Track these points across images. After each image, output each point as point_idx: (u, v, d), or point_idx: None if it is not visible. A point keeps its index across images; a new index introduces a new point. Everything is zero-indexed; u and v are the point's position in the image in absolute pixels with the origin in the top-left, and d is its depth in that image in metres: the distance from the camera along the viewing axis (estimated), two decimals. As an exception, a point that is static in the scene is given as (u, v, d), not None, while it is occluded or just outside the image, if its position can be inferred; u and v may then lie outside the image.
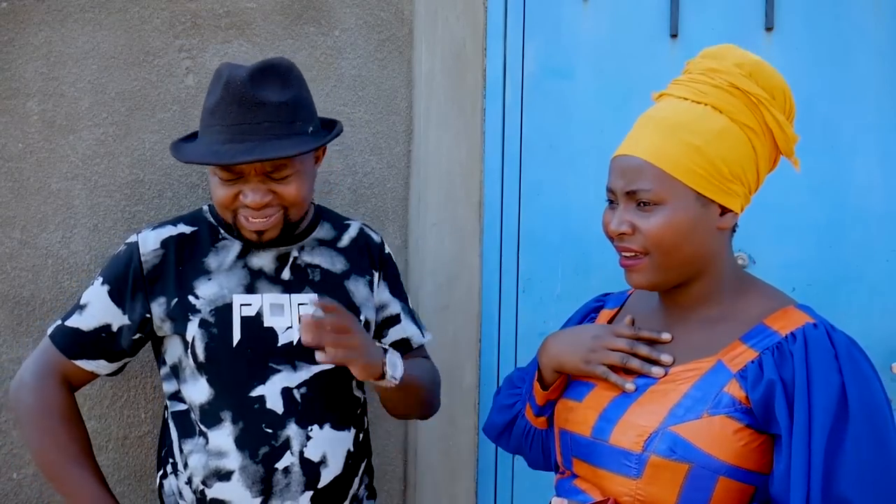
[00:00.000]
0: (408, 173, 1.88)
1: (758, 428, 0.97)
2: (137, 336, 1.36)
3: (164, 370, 1.39)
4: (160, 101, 1.70)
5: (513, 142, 1.95)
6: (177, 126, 1.70)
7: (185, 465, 1.35)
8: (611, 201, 1.08)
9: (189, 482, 1.35)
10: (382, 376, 1.26)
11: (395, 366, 1.29)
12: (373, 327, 1.46)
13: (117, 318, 1.35)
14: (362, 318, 1.41)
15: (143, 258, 1.35)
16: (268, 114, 1.26)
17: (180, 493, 1.37)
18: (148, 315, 1.35)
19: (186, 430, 1.35)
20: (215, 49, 1.74)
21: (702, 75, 1.05)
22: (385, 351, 1.30)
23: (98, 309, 1.35)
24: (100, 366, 1.37)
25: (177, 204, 1.70)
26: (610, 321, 1.22)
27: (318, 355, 1.20)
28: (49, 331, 1.38)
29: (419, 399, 1.44)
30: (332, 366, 1.32)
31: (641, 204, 1.02)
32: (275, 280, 1.37)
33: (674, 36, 1.90)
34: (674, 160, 1.00)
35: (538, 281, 1.96)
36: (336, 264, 1.43)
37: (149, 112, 1.69)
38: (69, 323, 1.35)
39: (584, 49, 1.93)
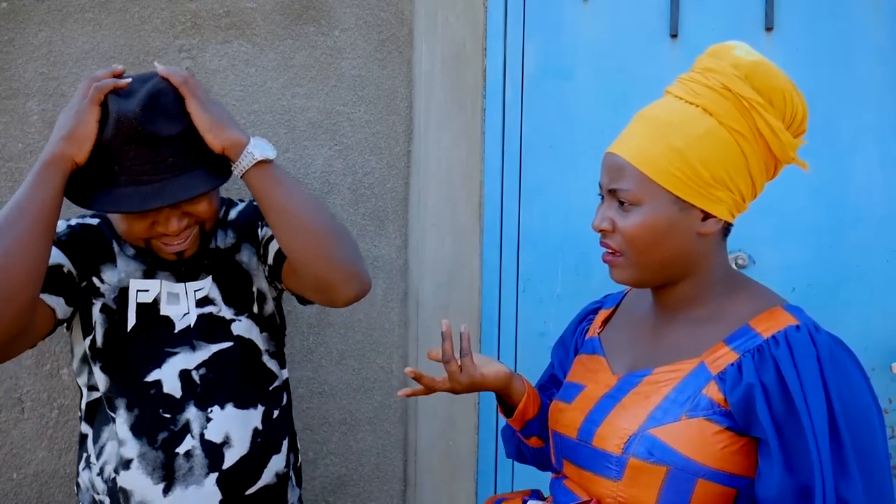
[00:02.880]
0: (407, 173, 1.88)
1: (738, 430, 0.96)
2: (83, 285, 1.32)
3: (76, 361, 1.37)
4: (160, 101, 1.70)
5: (513, 142, 1.95)
6: (177, 126, 1.70)
7: (98, 456, 1.33)
8: (602, 196, 1.08)
9: (101, 472, 1.32)
10: (243, 148, 1.21)
11: (260, 146, 1.22)
12: (268, 296, 1.41)
13: (67, 263, 1.30)
14: (255, 288, 1.39)
15: (72, 226, 1.35)
16: (169, 149, 1.20)
17: (93, 486, 1.35)
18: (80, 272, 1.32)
19: (102, 418, 1.33)
20: (215, 49, 1.74)
21: (699, 74, 1.03)
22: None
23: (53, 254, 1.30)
24: (59, 304, 1.29)
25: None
26: (606, 320, 1.22)
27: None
28: None
29: (305, 209, 1.25)
30: (232, 343, 1.32)
31: (621, 203, 1.03)
32: (172, 269, 1.35)
33: (674, 36, 1.90)
34: (653, 162, 1.00)
35: (538, 281, 1.96)
36: (227, 239, 1.40)
37: (149, 112, 1.69)
38: None
39: (584, 49, 1.93)
